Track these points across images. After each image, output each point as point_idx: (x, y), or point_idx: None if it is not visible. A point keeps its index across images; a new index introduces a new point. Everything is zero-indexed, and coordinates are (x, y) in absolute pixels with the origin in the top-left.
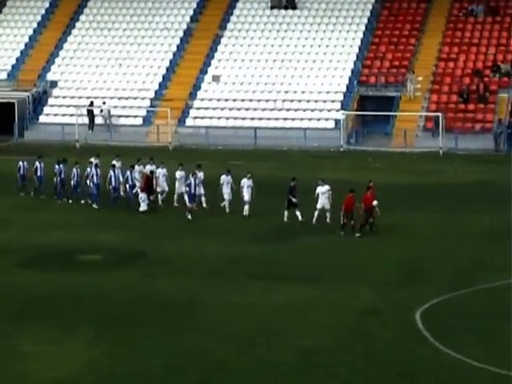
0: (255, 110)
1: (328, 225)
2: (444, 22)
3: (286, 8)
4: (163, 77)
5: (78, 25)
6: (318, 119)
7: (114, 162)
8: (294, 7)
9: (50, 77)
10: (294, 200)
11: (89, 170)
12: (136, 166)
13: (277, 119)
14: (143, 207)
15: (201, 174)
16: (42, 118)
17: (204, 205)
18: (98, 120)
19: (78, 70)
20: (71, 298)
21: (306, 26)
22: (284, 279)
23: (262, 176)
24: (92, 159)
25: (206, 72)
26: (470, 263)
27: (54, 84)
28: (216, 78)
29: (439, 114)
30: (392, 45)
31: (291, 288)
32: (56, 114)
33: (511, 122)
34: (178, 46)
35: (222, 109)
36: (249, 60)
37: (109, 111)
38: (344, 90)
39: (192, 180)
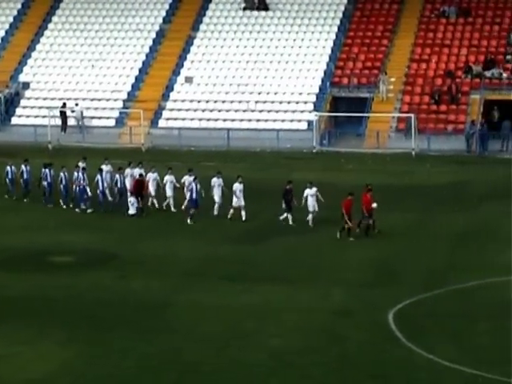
0: (228, 111)
1: (308, 227)
2: (416, 23)
3: (258, 9)
4: (136, 78)
5: (50, 26)
6: (291, 120)
7: (102, 166)
8: (267, 8)
9: (22, 78)
10: (284, 204)
11: (76, 173)
12: (127, 170)
13: (250, 120)
14: (132, 210)
15: (191, 179)
16: (15, 120)
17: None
18: (71, 121)
19: (50, 72)
20: (44, 299)
21: (278, 27)
22: (257, 280)
23: (234, 177)
24: (80, 163)
25: (179, 73)
26: (443, 264)
27: (26, 85)
28: (189, 79)
29: (412, 115)
30: (364, 46)
31: (264, 289)
32: (28, 116)
33: (483, 123)
34: (150, 48)
35: (194, 110)
36: (221, 61)
37: (81, 113)
38: (317, 91)
39: (193, 185)
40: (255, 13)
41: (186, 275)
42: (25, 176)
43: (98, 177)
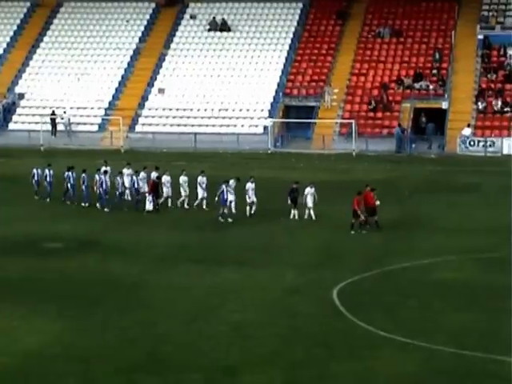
0: (195, 118)
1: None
2: (356, 43)
3: (221, 30)
4: (116, 89)
5: (42, 45)
6: (249, 126)
7: (123, 169)
8: (228, 30)
9: (18, 90)
10: (290, 201)
11: (97, 176)
12: (142, 173)
13: (213, 126)
14: (149, 207)
15: (204, 179)
16: (11, 126)
17: (204, 206)
18: (60, 127)
19: (42, 84)
20: (36, 280)
21: (238, 45)
22: (219, 263)
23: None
24: (103, 167)
25: (153, 85)
26: (379, 248)
27: (21, 96)
28: (161, 91)
29: (352, 121)
30: (311, 62)
31: (225, 270)
32: (23, 122)
33: (408, 127)
34: (128, 63)
35: (166, 117)
36: (190, 75)
37: (69, 119)
38: (271, 100)
39: (224, 187)
40: (218, 33)
41: (158, 259)
42: (48, 179)
43: (118, 179)
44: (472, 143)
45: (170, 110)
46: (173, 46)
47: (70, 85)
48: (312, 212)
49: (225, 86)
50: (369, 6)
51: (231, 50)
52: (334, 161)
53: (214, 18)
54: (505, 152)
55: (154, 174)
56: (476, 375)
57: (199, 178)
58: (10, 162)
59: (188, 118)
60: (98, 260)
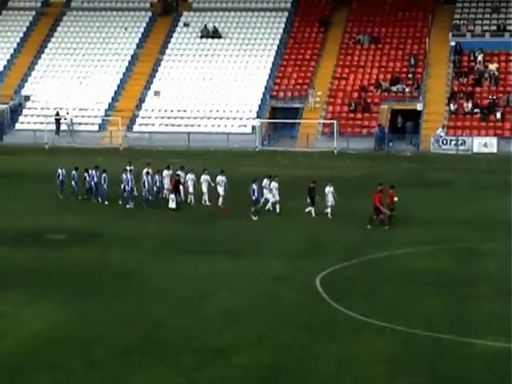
0: (188, 118)
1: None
2: (337, 49)
3: (212, 37)
4: (115, 92)
5: (46, 50)
6: (239, 126)
7: (146, 169)
8: (219, 37)
9: (24, 92)
10: (309, 199)
11: (124, 176)
12: (165, 171)
13: (205, 126)
14: (172, 205)
15: (223, 178)
16: (18, 126)
17: (219, 204)
18: (63, 127)
19: (46, 87)
20: (41, 269)
21: (228, 51)
22: (211, 253)
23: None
24: (126, 167)
25: (149, 88)
26: (359, 239)
27: (27, 98)
28: (157, 93)
29: (334, 122)
30: (296, 66)
31: (217, 260)
32: (29, 122)
33: (386, 127)
34: (126, 68)
35: (162, 117)
36: (183, 79)
37: (71, 119)
38: (259, 102)
39: (254, 186)
40: (210, 40)
41: (155, 249)
42: (75, 178)
43: (145, 178)
44: (444, 142)
45: (165, 111)
46: (168, 51)
47: (72, 87)
48: (329, 210)
49: (216, 89)
50: (349, 15)
51: (222, 55)
52: (317, 158)
53: (205, 25)
54: (475, 150)
55: (165, 172)
56: (449, 357)
57: (218, 178)
58: (16, 159)
59: (182, 118)
60: (99, 251)
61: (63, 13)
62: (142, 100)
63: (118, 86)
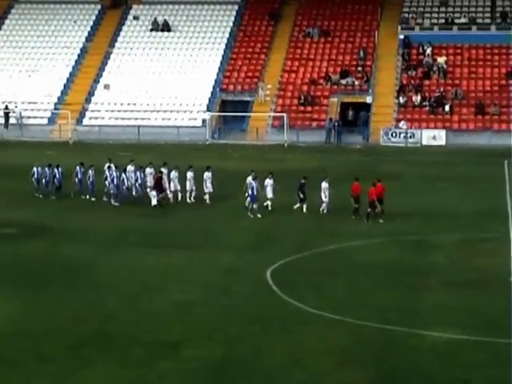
0: (138, 111)
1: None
2: (287, 42)
3: (162, 31)
4: (64, 85)
5: None
6: (189, 119)
7: (128, 166)
8: (169, 30)
9: None
10: (301, 195)
11: (107, 173)
12: (147, 169)
13: (156, 119)
14: (154, 202)
15: (209, 174)
16: None
17: (207, 201)
18: (12, 120)
19: None
20: None
21: (178, 45)
22: (162, 246)
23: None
24: (107, 164)
25: (99, 81)
26: (309, 232)
27: None
28: (107, 87)
29: (284, 115)
30: (246, 59)
31: (168, 253)
32: None
33: (338, 120)
34: (75, 61)
35: (111, 111)
36: (133, 72)
37: (20, 113)
38: (209, 95)
39: (254, 183)
40: (159, 33)
41: (106, 243)
42: (57, 176)
43: (124, 175)
44: (394, 134)
45: (115, 104)
46: (117, 45)
47: (21, 81)
48: (325, 205)
49: (166, 82)
50: (299, 8)
51: (172, 48)
52: (268, 151)
53: (155, 18)
54: (424, 143)
55: (149, 170)
56: (399, 348)
57: (205, 174)
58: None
59: (132, 111)
60: (49, 244)
61: (11, 6)
62: (91, 93)
63: (68, 80)
